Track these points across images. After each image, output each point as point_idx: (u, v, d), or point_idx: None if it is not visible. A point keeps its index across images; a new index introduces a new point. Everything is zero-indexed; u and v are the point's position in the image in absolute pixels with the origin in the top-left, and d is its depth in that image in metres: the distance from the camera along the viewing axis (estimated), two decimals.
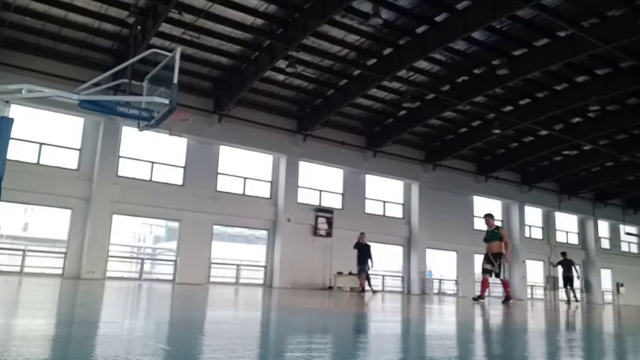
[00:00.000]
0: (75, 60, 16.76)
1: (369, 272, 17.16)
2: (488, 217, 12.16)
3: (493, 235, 11.82)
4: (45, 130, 16.94)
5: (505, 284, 12.16)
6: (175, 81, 8.41)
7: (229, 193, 20.11)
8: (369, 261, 16.79)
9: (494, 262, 11.57)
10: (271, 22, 15.49)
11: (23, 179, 15.19)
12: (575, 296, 20.17)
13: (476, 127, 23.01)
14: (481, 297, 11.74)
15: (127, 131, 17.66)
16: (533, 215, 30.09)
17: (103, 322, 4.15)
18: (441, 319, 6.92)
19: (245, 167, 20.84)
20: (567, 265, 19.74)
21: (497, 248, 11.62)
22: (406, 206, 25.03)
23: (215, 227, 19.79)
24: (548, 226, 30.60)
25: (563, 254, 20.26)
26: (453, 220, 25.80)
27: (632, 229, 34.59)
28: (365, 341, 3.65)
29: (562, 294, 29.75)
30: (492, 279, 12.01)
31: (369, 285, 17.03)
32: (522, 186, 28.69)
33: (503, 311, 9.13)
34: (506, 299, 11.77)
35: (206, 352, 2.68)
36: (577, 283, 20.31)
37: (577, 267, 20.60)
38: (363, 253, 16.90)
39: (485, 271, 11.75)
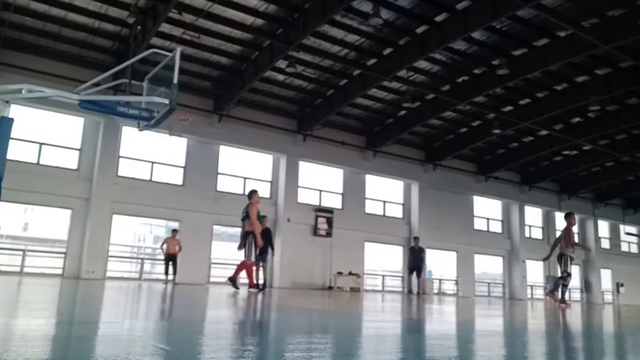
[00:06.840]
0: (75, 60, 16.78)
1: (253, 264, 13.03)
2: (251, 193, 11.74)
3: (246, 214, 11.57)
4: (45, 130, 16.95)
5: (240, 267, 11.41)
6: (175, 81, 8.41)
7: (229, 193, 20.10)
8: (270, 250, 13.86)
9: (244, 243, 11.26)
10: (271, 22, 15.50)
11: (23, 179, 15.22)
12: (419, 288, 17.94)
13: (476, 127, 23.02)
14: (255, 285, 11.60)
15: (127, 131, 17.66)
16: (533, 215, 30.09)
17: (103, 322, 4.15)
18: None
19: (245, 167, 20.84)
20: (420, 253, 17.77)
21: (247, 227, 11.50)
22: (406, 206, 25.03)
23: (215, 227, 19.79)
24: (548, 226, 30.59)
25: (416, 238, 18.53)
26: (452, 220, 25.81)
27: (632, 229, 34.60)
28: (365, 341, 3.65)
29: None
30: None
31: (258, 279, 13.11)
32: (522, 186, 28.68)
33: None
34: (250, 286, 11.70)
35: (206, 352, 2.68)
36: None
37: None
38: (267, 239, 13.40)
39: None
